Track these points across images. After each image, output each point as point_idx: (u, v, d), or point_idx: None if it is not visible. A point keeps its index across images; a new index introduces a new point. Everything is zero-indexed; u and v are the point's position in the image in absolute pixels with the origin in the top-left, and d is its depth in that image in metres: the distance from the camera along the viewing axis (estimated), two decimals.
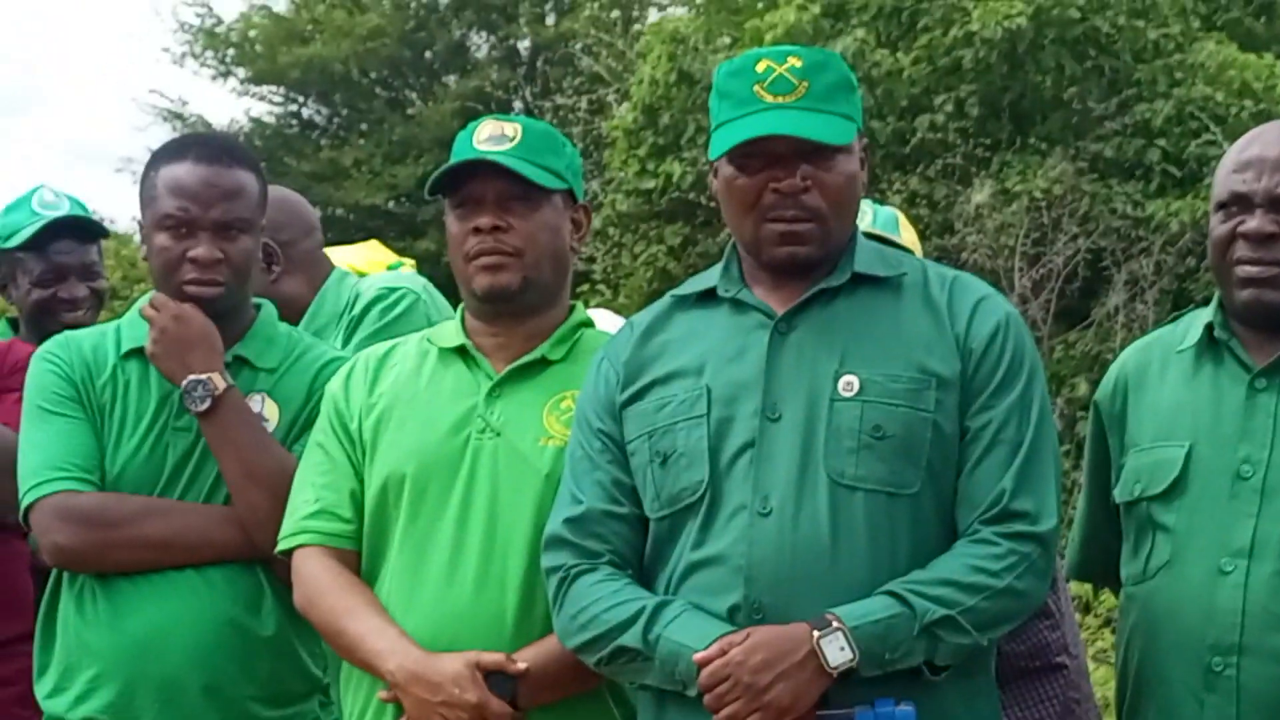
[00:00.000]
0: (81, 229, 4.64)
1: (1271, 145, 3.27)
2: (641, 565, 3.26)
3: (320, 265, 4.73)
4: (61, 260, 4.51)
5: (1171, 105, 14.63)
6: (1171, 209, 13.79)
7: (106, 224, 8.69)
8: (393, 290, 4.62)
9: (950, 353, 3.11)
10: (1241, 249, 3.21)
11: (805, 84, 3.13)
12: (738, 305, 3.26)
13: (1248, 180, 3.24)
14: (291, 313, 4.38)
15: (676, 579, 3.15)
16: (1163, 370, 3.43)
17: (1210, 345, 3.34)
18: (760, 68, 3.18)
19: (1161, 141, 14.54)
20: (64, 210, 4.61)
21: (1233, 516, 3.15)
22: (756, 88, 3.16)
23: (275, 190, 4.28)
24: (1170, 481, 3.20)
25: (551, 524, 3.29)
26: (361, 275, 4.88)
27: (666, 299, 3.45)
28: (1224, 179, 3.32)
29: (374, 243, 5.22)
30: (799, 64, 3.15)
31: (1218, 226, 3.24)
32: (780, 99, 3.10)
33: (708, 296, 3.34)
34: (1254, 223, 3.19)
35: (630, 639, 3.09)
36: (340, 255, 4.97)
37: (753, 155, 3.12)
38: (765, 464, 3.09)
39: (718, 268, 3.39)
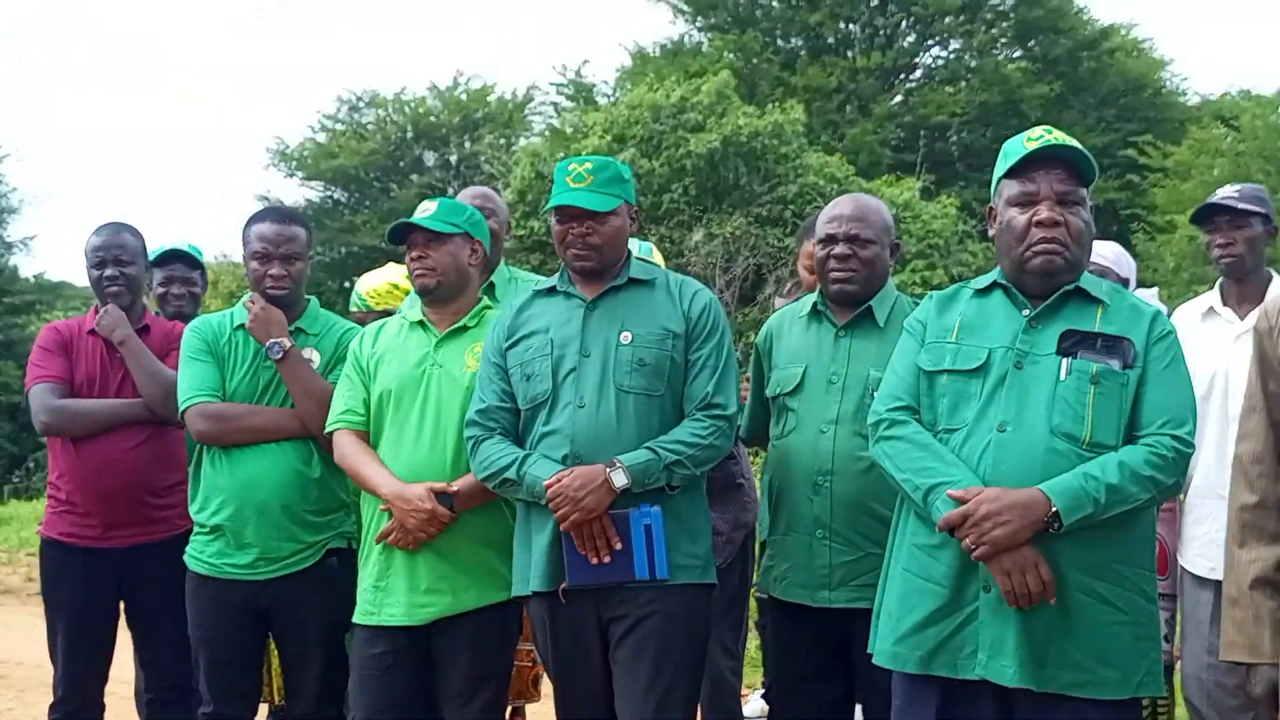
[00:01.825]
0: (186, 259, 5.35)
1: (846, 207, 3.90)
2: (517, 435, 3.74)
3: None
4: (169, 274, 5.29)
5: (796, 186, 19.84)
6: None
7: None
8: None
9: (680, 319, 3.69)
10: (833, 264, 3.85)
11: (591, 177, 3.73)
12: (567, 295, 3.78)
13: (833, 226, 3.87)
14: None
15: (534, 442, 3.67)
16: (791, 326, 3.99)
17: (815, 313, 3.92)
18: (570, 168, 3.75)
19: (792, 206, 19.54)
20: (176, 245, 5.30)
21: (827, 403, 3.78)
22: (567, 179, 3.74)
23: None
24: (795, 385, 3.85)
25: (469, 414, 3.78)
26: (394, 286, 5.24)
27: (530, 292, 3.93)
28: (822, 225, 3.91)
29: (391, 264, 5.55)
30: (590, 166, 3.75)
31: (819, 253, 3.90)
32: (577, 185, 3.73)
33: (552, 291, 3.84)
34: (838, 249, 3.84)
35: (510, 474, 3.60)
36: (376, 272, 5.46)
37: (562, 215, 3.73)
38: (581, 380, 3.64)
39: (556, 276, 3.89)
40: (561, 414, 3.67)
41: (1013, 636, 2.99)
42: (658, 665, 3.57)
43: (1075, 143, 3.21)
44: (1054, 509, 2.93)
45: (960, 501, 2.98)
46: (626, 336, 3.70)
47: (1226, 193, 4.41)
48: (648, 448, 3.57)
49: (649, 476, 3.55)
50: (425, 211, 4.04)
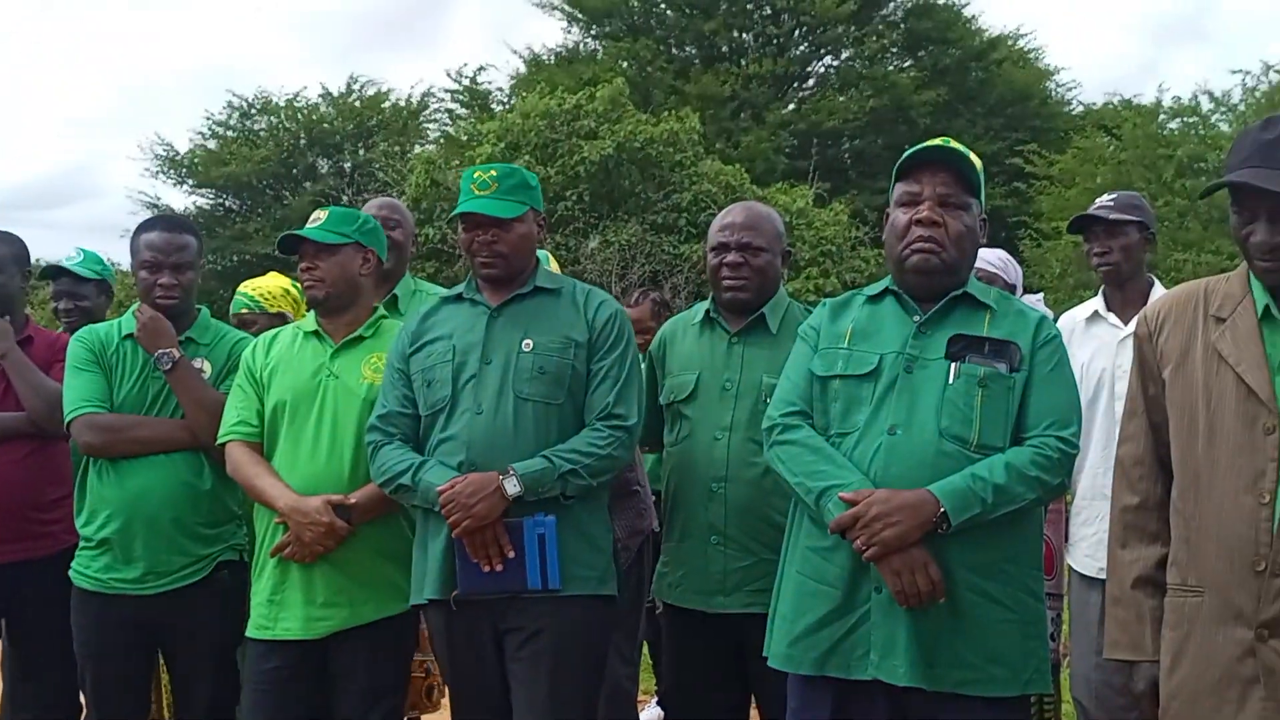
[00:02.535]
0: (69, 273, 5.19)
1: (738, 215, 3.92)
2: (418, 441, 3.71)
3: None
4: (57, 288, 5.20)
5: (691, 195, 20.06)
6: (693, 250, 18.38)
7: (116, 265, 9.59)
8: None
9: (584, 328, 3.68)
10: (726, 272, 3.86)
11: (496, 184, 3.71)
12: (473, 302, 3.76)
13: (725, 234, 3.89)
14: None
15: (432, 448, 3.63)
16: (684, 334, 4.00)
17: (708, 320, 3.93)
18: (475, 175, 3.74)
19: (686, 214, 19.90)
20: (76, 260, 5.23)
21: (721, 410, 3.78)
22: (472, 186, 3.72)
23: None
24: (689, 392, 3.86)
25: (370, 419, 3.75)
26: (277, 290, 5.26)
27: (437, 299, 3.91)
28: (714, 234, 3.93)
29: (274, 274, 5.57)
30: (495, 174, 3.74)
31: (712, 260, 3.92)
32: (482, 192, 3.72)
33: (459, 298, 3.82)
34: (730, 257, 3.86)
35: (405, 480, 3.57)
36: (260, 280, 5.38)
37: (468, 222, 3.71)
38: (481, 387, 3.61)
39: (464, 283, 3.86)
40: (459, 420, 3.65)
41: (904, 636, 3.01)
42: (554, 678, 3.56)
43: (962, 148, 3.26)
44: (942, 510, 2.96)
45: (851, 503, 3.01)
46: (528, 344, 3.68)
47: (1102, 202, 4.49)
48: (543, 456, 3.56)
49: (543, 485, 3.53)
50: (315, 221, 4.01)
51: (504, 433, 3.60)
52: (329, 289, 3.97)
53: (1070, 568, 4.45)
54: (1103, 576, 3.50)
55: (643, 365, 3.93)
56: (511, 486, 3.51)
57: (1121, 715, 4.16)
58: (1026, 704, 3.21)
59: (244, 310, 5.15)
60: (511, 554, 3.53)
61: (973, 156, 3.26)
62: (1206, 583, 2.75)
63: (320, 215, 4.03)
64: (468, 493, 3.50)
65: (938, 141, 3.27)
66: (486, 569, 3.54)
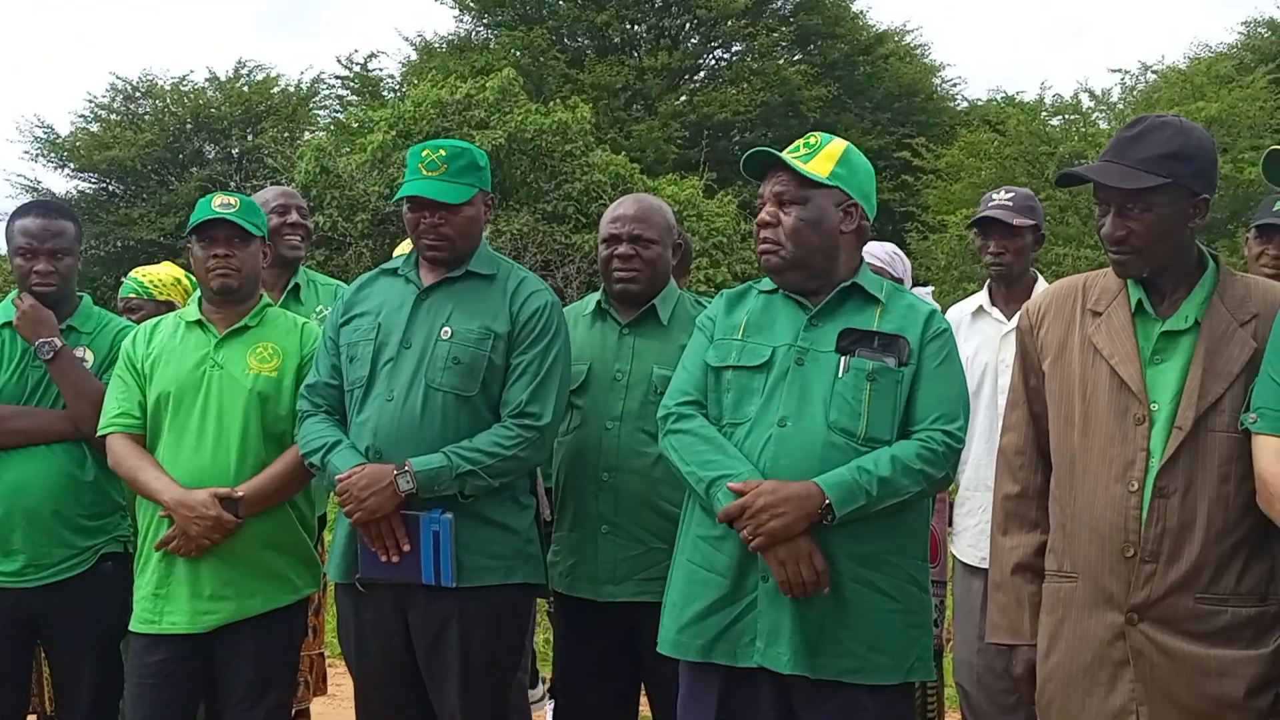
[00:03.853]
0: None
1: (629, 207, 3.91)
2: (343, 411, 3.71)
3: None
4: None
5: (582, 185, 20.04)
6: (584, 240, 18.37)
7: None
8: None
9: (507, 320, 3.64)
10: (617, 264, 3.86)
11: (445, 165, 3.66)
12: (406, 279, 3.72)
13: (616, 226, 3.88)
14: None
15: (349, 429, 3.64)
16: (576, 324, 3.95)
17: (599, 311, 3.92)
18: (424, 154, 3.69)
19: (577, 204, 19.84)
20: None
21: (611, 400, 3.78)
22: (420, 165, 3.67)
23: None
24: (579, 383, 3.82)
25: (302, 387, 3.75)
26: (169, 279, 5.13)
27: (377, 269, 3.87)
28: (605, 225, 3.91)
29: (168, 263, 5.45)
30: (444, 154, 3.68)
31: (603, 251, 3.89)
32: (430, 173, 3.66)
33: (393, 271, 3.80)
34: (621, 249, 3.85)
35: (317, 459, 3.58)
36: (152, 268, 5.27)
37: (415, 203, 3.66)
38: (396, 372, 3.58)
39: (402, 256, 3.83)
40: (372, 404, 3.63)
41: (788, 625, 3.05)
42: (460, 667, 3.57)
43: (779, 153, 3.30)
44: (827, 501, 3.01)
45: (740, 494, 3.04)
46: (446, 332, 3.65)
47: (1001, 201, 4.54)
48: (443, 453, 3.53)
49: (438, 484, 3.51)
50: (228, 207, 3.93)
51: (410, 422, 3.58)
52: (242, 279, 3.93)
53: (953, 556, 4.51)
54: (984, 565, 3.57)
55: None
56: (405, 483, 3.49)
57: (1002, 699, 4.25)
58: (910, 691, 3.27)
59: (131, 296, 5.06)
60: (407, 547, 3.53)
61: (829, 146, 3.30)
62: (1080, 569, 2.85)
63: (232, 201, 3.96)
64: (361, 485, 3.50)
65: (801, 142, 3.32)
66: (384, 559, 3.54)
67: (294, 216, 4.98)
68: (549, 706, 5.30)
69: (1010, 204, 4.52)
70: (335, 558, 3.67)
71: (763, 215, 3.23)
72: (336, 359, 3.73)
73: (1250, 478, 2.72)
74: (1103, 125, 22.54)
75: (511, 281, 3.74)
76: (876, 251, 4.61)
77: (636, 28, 29.57)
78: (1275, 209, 4.35)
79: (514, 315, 3.67)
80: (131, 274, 5.20)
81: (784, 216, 3.21)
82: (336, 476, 3.52)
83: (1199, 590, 2.75)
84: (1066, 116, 23.91)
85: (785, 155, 3.23)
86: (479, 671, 3.58)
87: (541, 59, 28.13)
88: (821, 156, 3.25)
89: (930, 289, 4.78)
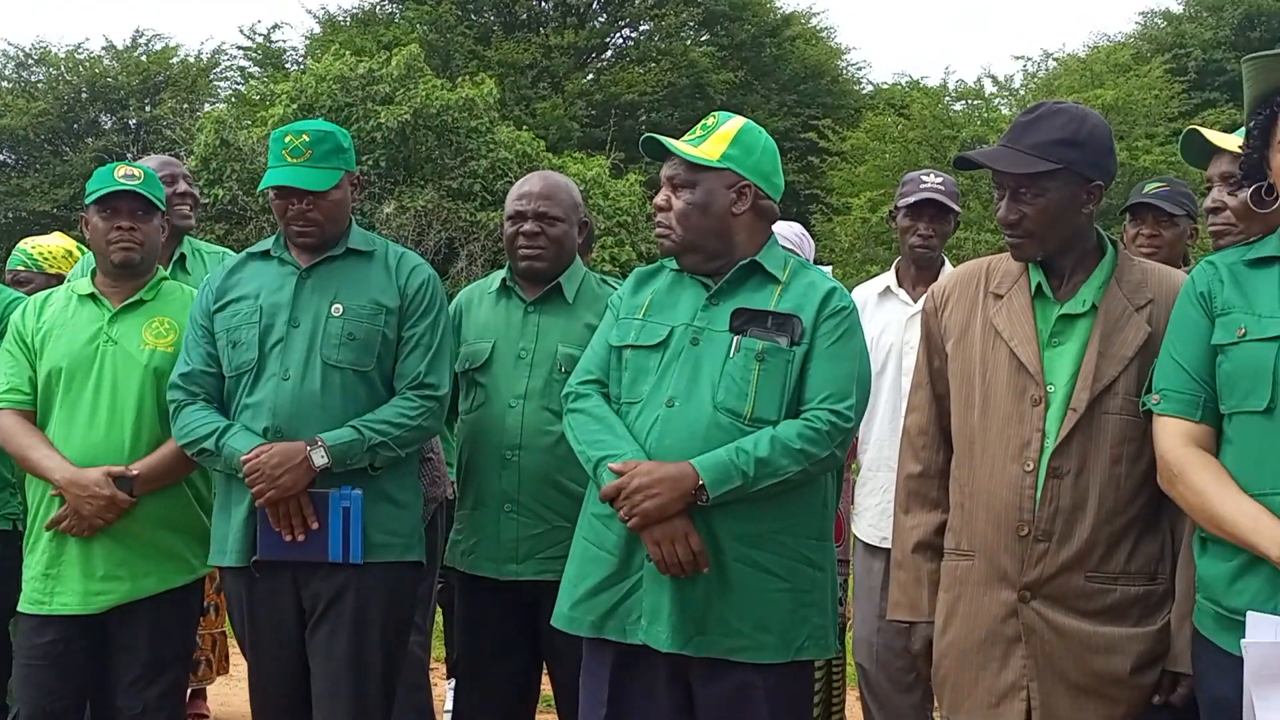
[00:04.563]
0: None
1: (534, 184, 3.92)
2: (222, 400, 3.65)
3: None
4: None
5: (488, 162, 20.08)
6: (490, 218, 18.60)
7: None
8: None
9: (395, 294, 3.65)
10: (522, 241, 3.86)
11: (310, 151, 3.63)
12: (281, 261, 3.70)
13: (522, 204, 3.89)
14: None
15: (237, 412, 3.59)
16: (480, 301, 3.97)
17: (504, 289, 3.92)
18: (287, 139, 3.65)
19: (483, 181, 19.89)
20: None
21: (516, 379, 3.78)
22: (284, 152, 3.64)
23: None
24: (484, 360, 3.83)
25: (172, 377, 3.66)
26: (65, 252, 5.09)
27: (244, 254, 3.81)
28: (511, 203, 3.92)
29: (59, 234, 5.39)
30: (308, 138, 3.65)
31: (509, 229, 3.90)
32: (295, 160, 3.63)
33: (265, 254, 3.75)
34: (526, 226, 3.85)
35: (209, 444, 3.52)
36: (42, 239, 5.20)
37: (281, 191, 3.64)
38: (288, 352, 3.56)
39: (272, 239, 3.78)
40: (265, 385, 3.59)
41: (668, 604, 3.07)
42: (353, 644, 3.54)
43: (669, 141, 3.30)
44: (701, 482, 3.02)
45: (620, 474, 3.06)
46: (337, 309, 3.63)
47: (934, 184, 4.56)
48: (352, 427, 3.52)
49: (351, 457, 3.50)
50: (133, 179, 3.86)
51: (311, 400, 3.56)
52: (144, 253, 3.87)
53: (855, 536, 4.56)
54: (885, 545, 3.62)
55: None
56: (319, 458, 3.48)
57: (900, 677, 4.31)
58: (805, 669, 3.28)
59: (20, 268, 4.97)
60: (315, 526, 3.50)
61: (726, 125, 3.30)
62: (977, 547, 2.90)
63: (136, 173, 3.89)
64: (273, 463, 3.47)
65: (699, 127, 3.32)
66: (289, 538, 3.51)
67: (182, 186, 4.90)
68: (449, 685, 5.29)
69: (943, 188, 4.55)
70: (230, 542, 3.61)
71: (658, 199, 3.26)
72: (212, 346, 3.69)
73: (1141, 459, 2.79)
74: (1005, 110, 22.90)
75: (392, 257, 3.75)
76: (785, 232, 4.61)
77: (544, 5, 29.49)
78: (1144, 190, 4.42)
79: (401, 289, 3.68)
80: (21, 245, 5.10)
81: (675, 200, 3.22)
82: (241, 457, 3.47)
83: (1090, 569, 2.81)
84: (970, 101, 24.26)
85: (672, 143, 3.24)
86: (371, 648, 3.57)
87: (448, 34, 27.92)
88: (714, 139, 3.25)
89: (830, 269, 4.79)
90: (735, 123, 3.27)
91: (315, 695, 3.57)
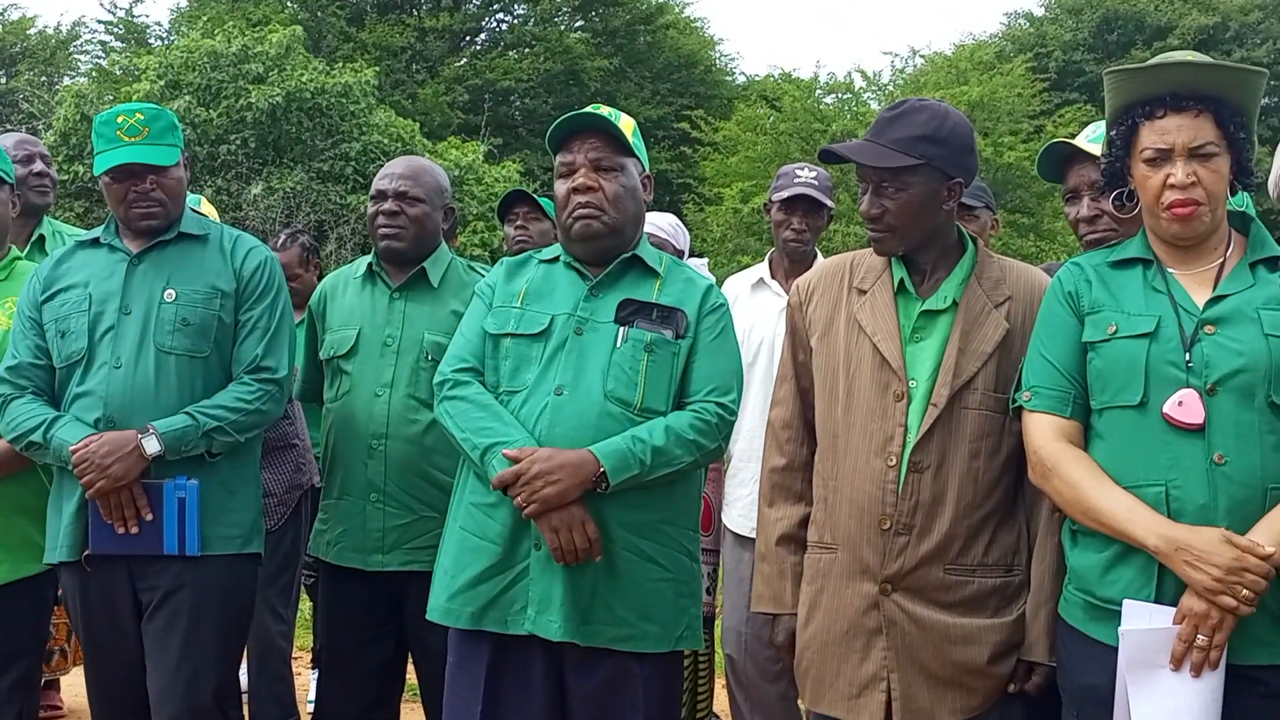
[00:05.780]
0: None
1: (400, 166, 3.94)
2: (53, 394, 3.56)
3: None
4: None
5: (360, 145, 19.99)
6: (360, 201, 18.38)
7: None
8: None
9: (231, 278, 3.59)
10: (382, 220, 3.85)
11: (147, 129, 3.57)
12: (111, 248, 3.62)
13: (384, 183, 3.91)
14: None
15: (68, 403, 3.51)
16: (345, 287, 3.96)
17: (370, 275, 3.92)
18: (119, 119, 3.57)
19: (355, 164, 19.87)
20: None
21: (382, 367, 3.77)
22: (118, 132, 3.56)
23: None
24: (349, 348, 3.83)
25: None
26: None
27: (73, 244, 3.73)
28: (375, 183, 3.93)
29: None
30: (142, 117, 3.58)
31: (371, 208, 3.89)
32: (132, 138, 3.56)
33: (95, 242, 3.67)
34: (386, 205, 3.85)
35: (36, 437, 3.44)
36: None
37: (120, 172, 3.56)
38: (120, 339, 3.49)
39: (101, 227, 3.71)
40: (96, 374, 3.50)
41: (559, 593, 3.06)
42: (189, 638, 3.46)
43: (608, 112, 3.30)
44: (602, 469, 3.02)
45: (515, 461, 3.03)
46: (170, 294, 3.56)
47: (808, 179, 4.58)
48: (186, 413, 3.45)
49: (185, 444, 3.43)
50: None
51: (144, 388, 3.49)
52: None
53: (725, 526, 4.58)
54: (755, 536, 3.64)
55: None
56: (151, 445, 3.40)
57: (768, 667, 4.35)
58: (679, 659, 3.30)
59: None
60: (149, 517, 3.43)
61: (624, 119, 3.32)
62: (840, 540, 2.94)
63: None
64: (102, 452, 3.38)
65: (587, 110, 3.32)
66: (121, 530, 3.42)
67: (39, 165, 4.76)
68: (313, 676, 5.24)
69: (816, 183, 4.58)
70: (61, 536, 3.52)
71: (581, 180, 3.22)
72: (40, 338, 3.59)
73: (999, 453, 2.86)
74: (874, 105, 23.24)
75: (227, 240, 3.70)
76: (660, 222, 4.66)
77: None
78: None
79: (237, 272, 3.63)
80: None
81: (605, 182, 3.22)
82: (70, 448, 3.38)
83: (948, 561, 2.86)
84: (840, 95, 24.56)
85: (613, 120, 3.25)
86: (205, 643, 3.50)
87: (321, 14, 27.48)
88: (623, 125, 3.27)
89: (705, 260, 4.83)
90: (627, 116, 3.31)
91: (151, 693, 3.50)
